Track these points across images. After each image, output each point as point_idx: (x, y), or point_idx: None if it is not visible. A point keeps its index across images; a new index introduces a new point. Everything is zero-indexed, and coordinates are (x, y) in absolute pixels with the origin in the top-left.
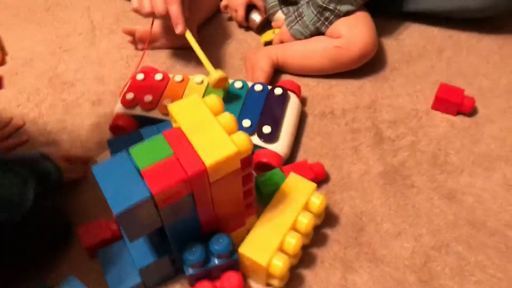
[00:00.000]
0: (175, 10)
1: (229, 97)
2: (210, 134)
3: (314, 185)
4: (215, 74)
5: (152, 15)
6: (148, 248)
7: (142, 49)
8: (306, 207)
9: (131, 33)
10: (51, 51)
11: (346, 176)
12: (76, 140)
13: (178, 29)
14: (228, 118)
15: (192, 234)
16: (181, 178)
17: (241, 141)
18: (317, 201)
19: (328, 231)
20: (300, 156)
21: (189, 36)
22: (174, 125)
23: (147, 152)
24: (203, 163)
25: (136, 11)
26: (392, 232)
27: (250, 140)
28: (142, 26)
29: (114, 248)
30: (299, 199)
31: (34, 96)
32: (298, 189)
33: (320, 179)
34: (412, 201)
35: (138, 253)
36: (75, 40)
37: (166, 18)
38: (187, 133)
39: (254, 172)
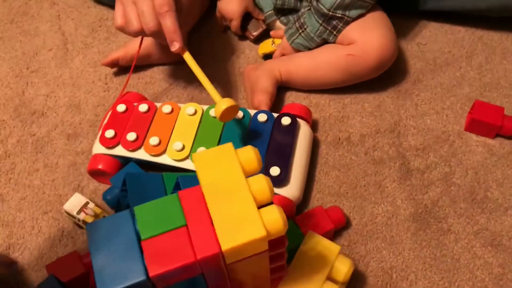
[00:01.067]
0: (171, 24)
1: (227, 130)
2: (235, 203)
3: (338, 247)
4: (223, 104)
5: (141, 33)
6: None
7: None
8: (330, 275)
9: (114, 64)
10: (17, 73)
11: (370, 221)
12: (48, 186)
13: (175, 47)
14: (262, 184)
15: None
16: (188, 261)
17: (272, 220)
18: (344, 268)
19: None
20: (314, 197)
21: (188, 57)
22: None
23: (155, 217)
24: (219, 245)
25: (121, 29)
26: None
27: (285, 218)
28: (123, 49)
29: None
30: (322, 266)
31: None
32: (319, 253)
33: (340, 227)
34: (450, 250)
35: None
36: (44, 57)
37: (158, 35)
38: (207, 197)
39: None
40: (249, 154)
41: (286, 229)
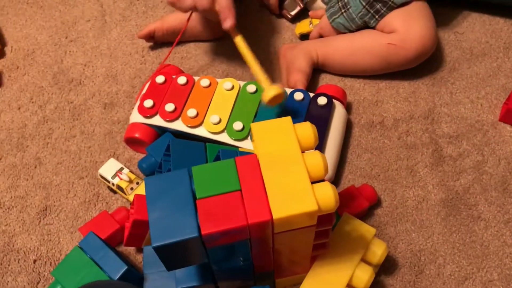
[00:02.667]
0: (225, 2)
1: (263, 107)
2: (290, 175)
3: (373, 230)
4: (271, 91)
5: (193, 9)
6: (193, 271)
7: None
8: (364, 257)
9: (150, 36)
10: (56, 41)
11: (401, 204)
12: (85, 152)
13: (228, 23)
14: (317, 160)
15: (241, 274)
16: (240, 225)
17: (325, 196)
18: (379, 251)
19: (381, 274)
20: (346, 178)
21: (239, 40)
22: (252, 145)
23: (211, 178)
24: (270, 213)
25: (173, 4)
26: (457, 276)
27: (336, 195)
28: (159, 21)
29: None
30: (357, 248)
31: (37, 97)
32: (355, 235)
33: (373, 205)
34: (480, 237)
35: (181, 273)
36: (82, 27)
37: (210, 12)
38: (263, 166)
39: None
40: (307, 130)
41: (337, 206)
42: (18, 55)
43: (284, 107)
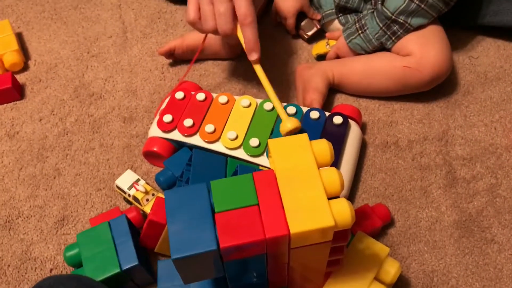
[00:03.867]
0: (252, 35)
1: (279, 125)
2: (307, 191)
3: (387, 249)
4: (289, 124)
5: (213, 32)
6: (208, 285)
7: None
8: (377, 276)
9: (170, 52)
10: (78, 56)
11: (414, 225)
12: (103, 164)
13: (253, 57)
14: (334, 177)
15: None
16: (258, 238)
17: (341, 212)
18: (392, 270)
19: None
20: (360, 197)
21: (259, 71)
22: (269, 161)
23: (229, 192)
24: (288, 228)
25: (193, 24)
26: None
27: (353, 211)
28: (179, 39)
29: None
30: (370, 266)
31: (59, 109)
32: (368, 254)
33: (386, 224)
34: (493, 260)
35: (196, 287)
36: (104, 43)
37: (232, 37)
38: (280, 182)
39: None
40: (323, 147)
41: (353, 222)
42: (41, 68)
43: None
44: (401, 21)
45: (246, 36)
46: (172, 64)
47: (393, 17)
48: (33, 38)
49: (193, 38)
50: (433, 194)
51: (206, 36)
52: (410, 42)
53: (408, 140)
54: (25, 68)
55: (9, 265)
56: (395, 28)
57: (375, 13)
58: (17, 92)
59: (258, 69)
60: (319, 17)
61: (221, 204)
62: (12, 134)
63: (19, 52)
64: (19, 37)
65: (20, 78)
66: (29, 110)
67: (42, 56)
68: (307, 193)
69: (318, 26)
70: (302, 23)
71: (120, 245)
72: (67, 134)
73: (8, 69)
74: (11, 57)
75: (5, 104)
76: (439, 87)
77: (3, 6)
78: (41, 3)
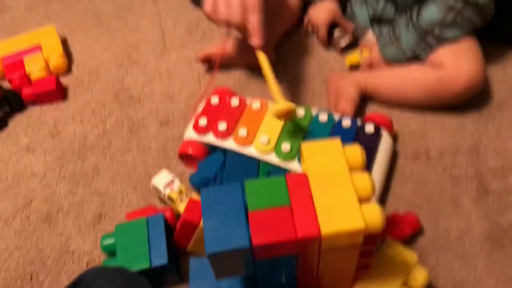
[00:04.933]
0: (256, 20)
1: (311, 131)
2: (338, 194)
3: (415, 256)
4: (281, 105)
5: (226, 23)
6: (238, 285)
7: (212, 70)
8: (405, 283)
9: (207, 59)
10: (119, 61)
11: (444, 235)
12: (140, 165)
13: (254, 42)
14: (365, 181)
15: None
16: (289, 238)
17: (372, 216)
18: (420, 278)
19: None
20: (390, 205)
21: (262, 56)
22: (302, 166)
23: (262, 192)
24: (319, 229)
25: (208, 16)
26: None
27: (383, 216)
28: (216, 46)
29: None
30: (399, 273)
31: (99, 111)
32: (397, 260)
33: (416, 233)
34: None
35: (227, 285)
36: (144, 50)
37: (241, 28)
38: (312, 184)
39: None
40: (356, 152)
41: (384, 227)
42: (84, 72)
43: (331, 133)
44: (436, 33)
45: (251, 22)
46: (208, 71)
47: (429, 28)
48: (77, 43)
49: (230, 46)
50: (464, 205)
51: (226, 40)
52: (444, 54)
53: (439, 151)
54: (69, 71)
55: (48, 257)
56: (429, 40)
57: (410, 24)
58: (61, 94)
59: (261, 55)
60: (352, 28)
61: (255, 203)
62: (55, 134)
63: (63, 56)
64: (64, 42)
65: (64, 80)
66: (71, 111)
67: (85, 61)
68: (339, 196)
69: (351, 38)
70: (335, 34)
71: (153, 242)
72: (106, 135)
73: (53, 72)
74: (56, 61)
75: (49, 105)
76: (472, 100)
77: (50, 12)
78: (86, 11)
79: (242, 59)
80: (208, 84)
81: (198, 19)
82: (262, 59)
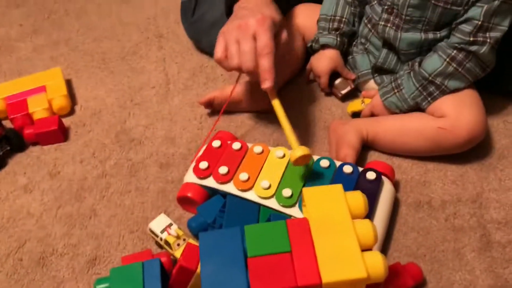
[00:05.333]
0: (267, 64)
1: (312, 177)
2: (340, 241)
3: None
4: (299, 151)
5: (238, 69)
6: None
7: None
8: None
9: (210, 103)
10: (122, 104)
11: (447, 287)
12: (137, 207)
13: (266, 85)
14: (368, 228)
15: None
16: (289, 286)
17: (374, 264)
18: None
19: None
20: (391, 255)
21: (276, 102)
22: (303, 210)
23: (262, 238)
24: (320, 277)
25: (219, 62)
26: None
27: (386, 265)
28: (219, 90)
29: None
30: None
31: (99, 152)
32: None
33: (418, 284)
34: None
35: None
36: (147, 93)
37: (253, 73)
38: (313, 230)
39: None
40: (358, 199)
41: (386, 276)
42: (86, 113)
43: (333, 180)
44: (438, 82)
45: (262, 65)
46: (210, 115)
47: (430, 78)
48: (81, 85)
49: (237, 91)
50: (467, 256)
51: (235, 86)
52: (446, 103)
53: (441, 201)
54: (72, 112)
55: None
56: (431, 89)
57: (411, 73)
58: (62, 134)
59: (273, 97)
60: (353, 77)
61: (254, 249)
62: (54, 174)
63: (67, 97)
64: (69, 83)
65: (66, 121)
66: (71, 152)
67: (88, 102)
68: (341, 243)
69: (352, 86)
70: (336, 82)
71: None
72: (105, 177)
73: (56, 113)
74: (59, 102)
75: (50, 145)
76: (473, 150)
77: (57, 55)
78: (91, 54)
79: (248, 104)
80: (215, 124)
81: (202, 64)
82: (277, 104)
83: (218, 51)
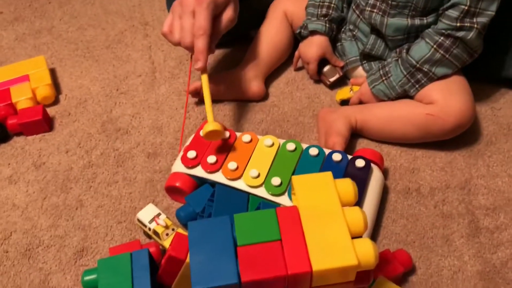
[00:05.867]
0: (201, 45)
1: (301, 165)
2: (330, 229)
3: None
4: (210, 126)
5: (178, 44)
6: None
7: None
8: None
9: (196, 91)
10: (107, 93)
11: (436, 273)
12: (125, 198)
13: (197, 65)
14: (357, 216)
15: None
16: (279, 274)
17: (365, 252)
18: None
19: None
20: (380, 242)
21: (204, 78)
22: (293, 198)
23: (252, 227)
24: (310, 265)
25: (165, 36)
26: None
27: (376, 252)
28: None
29: None
30: None
31: (85, 142)
32: None
33: (407, 270)
34: None
35: None
36: (133, 82)
37: (191, 51)
38: (303, 218)
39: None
40: (348, 186)
41: (377, 263)
42: (71, 103)
43: (322, 168)
44: (426, 70)
45: (195, 45)
46: (197, 103)
47: (418, 65)
48: (66, 74)
49: (219, 78)
50: (456, 243)
51: (190, 67)
52: (434, 90)
53: (430, 187)
54: (56, 101)
55: None
56: (419, 76)
57: (399, 61)
58: (47, 124)
59: (204, 78)
60: (341, 64)
61: (244, 237)
62: (39, 165)
63: (51, 87)
64: (53, 72)
65: (51, 111)
66: (56, 142)
67: (72, 91)
68: (331, 231)
69: (341, 73)
70: (325, 69)
71: (137, 279)
72: (92, 167)
73: (40, 102)
74: (43, 91)
75: (34, 136)
76: (462, 137)
77: (40, 43)
78: (75, 42)
79: (236, 93)
80: (185, 108)
81: (188, 52)
82: (204, 81)
83: (165, 25)
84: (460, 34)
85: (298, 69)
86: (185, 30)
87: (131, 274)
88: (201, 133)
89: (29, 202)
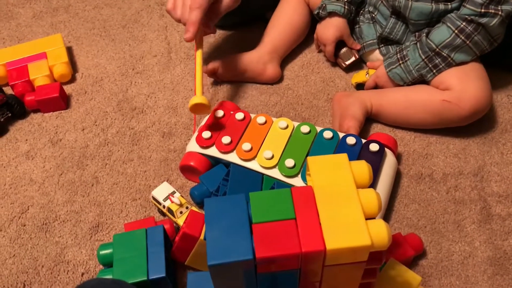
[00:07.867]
0: (194, 17)
1: (315, 148)
2: (344, 209)
3: (419, 278)
4: (196, 99)
5: (179, 21)
6: None
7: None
8: None
9: (213, 72)
10: (123, 72)
11: (446, 258)
12: (140, 176)
13: (186, 35)
14: (372, 197)
15: None
16: (293, 252)
17: (378, 233)
18: None
19: None
20: (392, 226)
21: (198, 54)
22: (307, 179)
23: (267, 205)
24: (324, 244)
25: (169, 12)
26: None
27: (390, 233)
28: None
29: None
30: None
31: (101, 120)
32: (400, 282)
33: (418, 255)
34: None
35: None
36: (149, 62)
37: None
38: (318, 198)
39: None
40: (363, 168)
41: (389, 244)
42: (87, 81)
43: (336, 151)
44: (445, 54)
45: (189, 17)
46: (213, 84)
47: (437, 49)
48: (82, 52)
49: (235, 60)
50: (467, 228)
51: (196, 44)
52: (451, 76)
53: (443, 173)
54: (73, 80)
55: (43, 266)
56: (437, 61)
57: (418, 44)
58: (63, 101)
59: (198, 53)
60: (358, 47)
61: (259, 215)
62: (55, 141)
63: (68, 65)
64: (69, 50)
65: (67, 89)
66: (73, 120)
67: (89, 70)
68: (345, 211)
69: (357, 56)
70: (341, 52)
71: (151, 254)
72: (107, 145)
73: (57, 80)
74: (60, 69)
75: (51, 113)
76: (476, 124)
77: (57, 21)
78: (92, 21)
79: (253, 74)
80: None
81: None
82: (198, 55)
83: (169, 2)
84: (483, 20)
85: (320, 51)
86: (186, 6)
87: (146, 249)
88: (190, 103)
89: (46, 178)
